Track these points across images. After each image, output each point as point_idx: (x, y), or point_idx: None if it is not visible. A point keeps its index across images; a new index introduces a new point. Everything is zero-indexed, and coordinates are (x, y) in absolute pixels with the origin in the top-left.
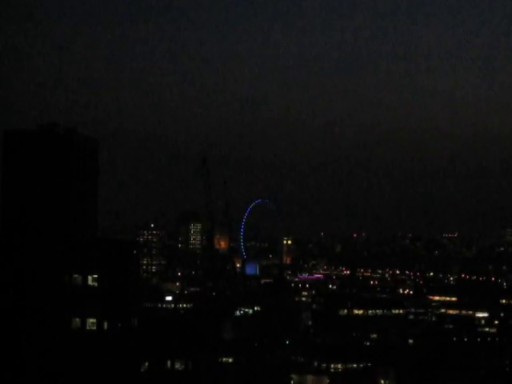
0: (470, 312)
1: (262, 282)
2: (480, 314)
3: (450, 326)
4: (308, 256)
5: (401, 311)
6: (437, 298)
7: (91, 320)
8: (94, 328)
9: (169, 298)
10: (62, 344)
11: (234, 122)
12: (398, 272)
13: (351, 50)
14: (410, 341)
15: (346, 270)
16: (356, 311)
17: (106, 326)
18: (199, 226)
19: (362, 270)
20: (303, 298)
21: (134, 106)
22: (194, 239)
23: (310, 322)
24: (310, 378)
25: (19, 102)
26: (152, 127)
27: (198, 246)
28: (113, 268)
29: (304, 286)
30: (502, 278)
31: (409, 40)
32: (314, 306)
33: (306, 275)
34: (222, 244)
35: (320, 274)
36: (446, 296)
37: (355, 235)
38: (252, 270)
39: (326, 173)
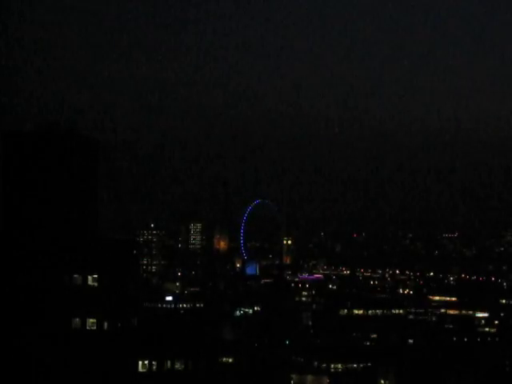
0: (470, 312)
1: (262, 282)
2: (480, 314)
3: (450, 326)
4: (308, 256)
5: (401, 311)
6: (437, 298)
7: (91, 320)
8: (94, 328)
9: (169, 298)
10: (62, 344)
11: (235, 121)
12: (397, 272)
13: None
14: (410, 341)
15: (346, 270)
16: (356, 311)
17: (106, 326)
18: (199, 225)
19: (362, 269)
20: (303, 298)
21: (134, 105)
22: (194, 239)
23: (310, 322)
24: (310, 378)
25: (19, 102)
26: (152, 127)
27: (198, 246)
28: (113, 268)
29: (304, 286)
30: (502, 278)
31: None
32: (314, 306)
33: (306, 275)
34: (222, 244)
35: (320, 274)
36: (446, 296)
37: (355, 235)
38: (252, 270)
39: (326, 172)
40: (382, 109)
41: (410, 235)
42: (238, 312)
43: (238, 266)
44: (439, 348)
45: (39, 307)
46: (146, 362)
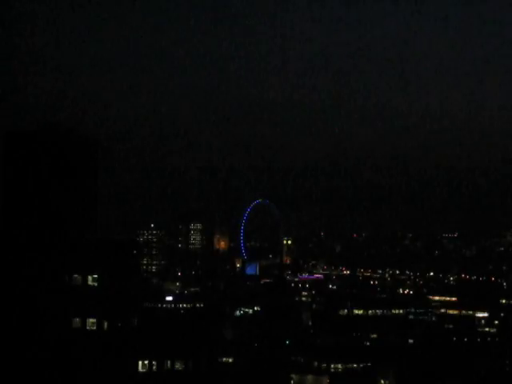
0: (470, 312)
1: (262, 282)
2: (480, 314)
3: (450, 326)
4: (308, 256)
5: (401, 311)
6: (437, 298)
7: (91, 320)
8: (94, 328)
9: (169, 298)
10: (62, 344)
11: (235, 121)
12: (397, 272)
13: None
14: (410, 341)
15: (346, 270)
16: (356, 311)
17: (105, 325)
18: (199, 225)
19: (362, 269)
20: (303, 298)
21: (134, 105)
22: (194, 239)
23: (310, 322)
24: (310, 377)
25: (19, 102)
26: (152, 127)
27: (198, 246)
28: (113, 268)
29: (304, 285)
30: (502, 278)
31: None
32: (314, 305)
33: (306, 275)
34: (222, 244)
35: (320, 274)
36: (446, 296)
37: (355, 235)
38: (252, 270)
39: (326, 172)
40: (383, 108)
41: (410, 235)
42: (238, 312)
43: (238, 266)
44: (439, 348)
45: (39, 307)
46: (146, 362)
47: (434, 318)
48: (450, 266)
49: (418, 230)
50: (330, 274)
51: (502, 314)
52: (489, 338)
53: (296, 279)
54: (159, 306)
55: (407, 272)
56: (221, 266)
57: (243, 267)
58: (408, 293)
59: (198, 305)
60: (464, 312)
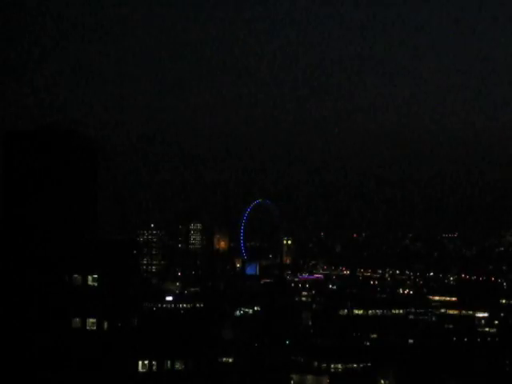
0: (470, 312)
1: (262, 282)
2: (480, 314)
3: (450, 326)
4: (308, 256)
5: (401, 311)
6: (437, 298)
7: (91, 320)
8: (94, 328)
9: (169, 298)
10: (62, 344)
11: (234, 121)
12: (397, 272)
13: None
14: (410, 341)
15: (346, 270)
16: (356, 311)
17: (105, 325)
18: (199, 225)
19: (362, 269)
20: (303, 298)
21: (134, 105)
22: (194, 239)
23: (310, 322)
24: (310, 378)
25: (19, 102)
26: (152, 127)
27: (198, 246)
28: (113, 268)
29: (304, 285)
30: (502, 278)
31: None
32: (314, 305)
33: (306, 275)
34: (222, 244)
35: (320, 274)
36: (446, 296)
37: (355, 235)
38: (252, 270)
39: (326, 172)
40: (383, 108)
41: (410, 235)
42: (238, 312)
43: (238, 266)
44: (439, 348)
45: (40, 307)
46: (146, 362)
47: (434, 318)
48: (450, 266)
49: (417, 230)
50: (330, 274)
51: (502, 314)
52: (489, 338)
53: (296, 279)
54: (159, 305)
55: (407, 272)
56: (221, 266)
57: (243, 267)
58: (408, 293)
59: (197, 305)
60: (464, 312)
